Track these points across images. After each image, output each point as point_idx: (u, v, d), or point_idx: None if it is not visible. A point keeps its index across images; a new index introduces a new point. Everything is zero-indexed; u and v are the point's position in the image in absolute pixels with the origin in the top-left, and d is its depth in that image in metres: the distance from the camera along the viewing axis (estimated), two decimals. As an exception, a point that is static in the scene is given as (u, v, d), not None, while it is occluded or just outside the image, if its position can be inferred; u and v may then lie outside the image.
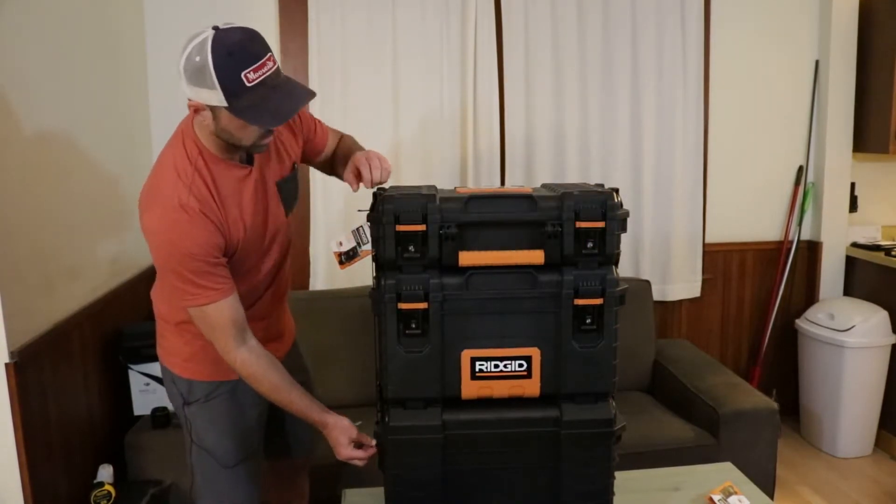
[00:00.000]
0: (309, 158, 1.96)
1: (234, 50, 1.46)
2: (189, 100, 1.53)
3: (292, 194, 1.85)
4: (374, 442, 1.66)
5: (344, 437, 1.68)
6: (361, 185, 1.77)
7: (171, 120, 3.28)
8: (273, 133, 1.64)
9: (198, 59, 1.46)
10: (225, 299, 1.61)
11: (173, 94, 3.15)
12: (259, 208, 1.71)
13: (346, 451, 1.68)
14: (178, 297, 1.64)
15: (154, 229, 1.57)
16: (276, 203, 1.78)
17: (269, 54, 1.51)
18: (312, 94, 1.59)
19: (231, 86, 1.46)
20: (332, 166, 1.96)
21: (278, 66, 1.53)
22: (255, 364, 1.67)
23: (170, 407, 2.56)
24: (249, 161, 1.71)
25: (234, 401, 1.83)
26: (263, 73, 1.48)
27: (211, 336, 1.66)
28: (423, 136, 3.26)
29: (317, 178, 3.20)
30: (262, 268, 1.79)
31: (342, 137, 1.98)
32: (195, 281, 1.58)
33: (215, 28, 1.50)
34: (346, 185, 3.22)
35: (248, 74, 1.46)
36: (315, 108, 3.15)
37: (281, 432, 2.03)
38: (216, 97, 1.47)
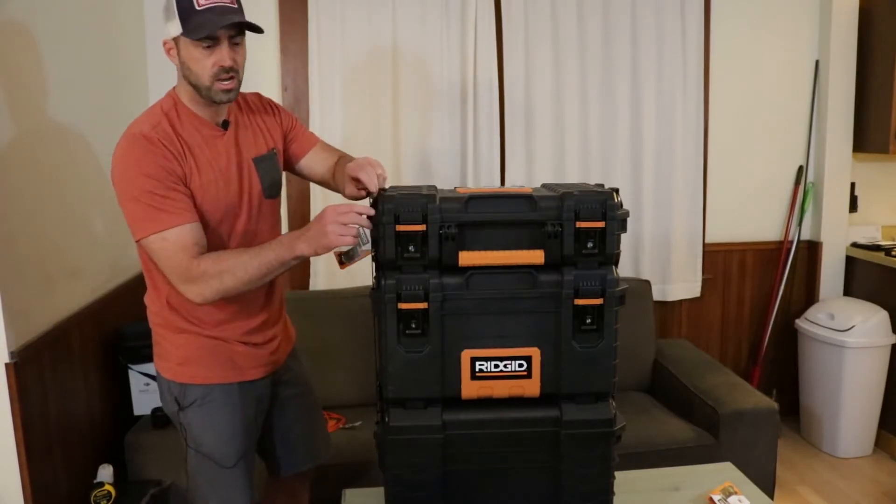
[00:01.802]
0: (292, 162, 1.99)
1: None
2: (164, 42, 1.69)
3: (270, 174, 1.86)
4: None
5: (331, 212, 1.57)
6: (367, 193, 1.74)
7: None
8: (233, 81, 1.69)
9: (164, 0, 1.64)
10: (187, 224, 1.62)
11: (173, 94, 3.16)
12: (230, 169, 1.76)
13: (348, 208, 1.56)
14: (139, 228, 1.63)
15: (115, 162, 1.66)
16: (253, 177, 1.82)
17: None
18: (242, 17, 1.66)
19: (185, 10, 1.61)
20: (336, 183, 1.97)
21: (239, 7, 1.67)
22: (215, 259, 1.62)
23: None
24: (225, 128, 1.79)
25: (230, 402, 1.82)
26: (213, 3, 1.62)
27: (170, 263, 1.62)
28: (424, 135, 3.26)
29: (317, 178, 3.20)
30: (237, 229, 1.77)
31: (342, 156, 1.98)
32: (153, 205, 1.60)
33: None
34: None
35: (197, 0, 1.61)
36: (315, 108, 3.15)
37: (278, 447, 2.03)
38: (175, 26, 1.63)
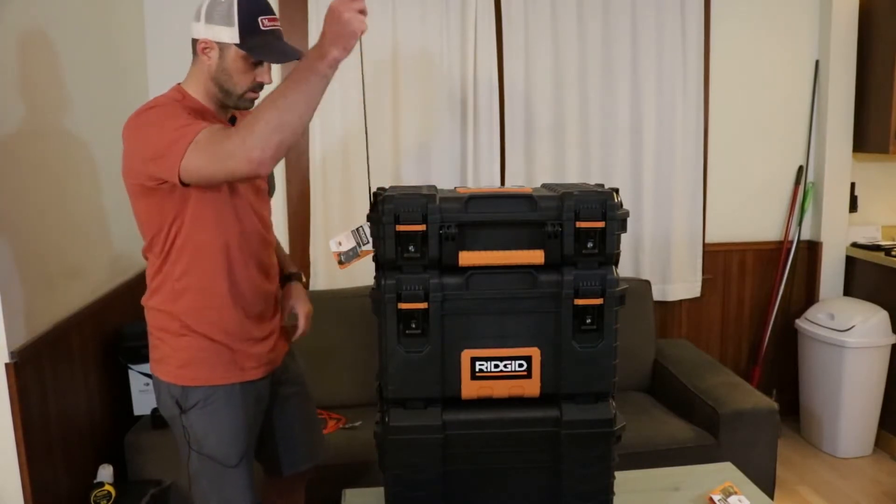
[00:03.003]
0: None
1: None
2: (199, 40, 1.71)
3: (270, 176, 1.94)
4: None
5: (340, 4, 1.45)
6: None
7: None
8: (260, 89, 1.77)
9: (223, 1, 1.67)
10: (211, 126, 1.59)
11: (173, 94, 3.16)
12: None
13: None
14: (170, 156, 1.54)
15: (128, 130, 1.65)
16: None
17: (276, 16, 1.74)
18: (303, 53, 1.63)
19: (248, 25, 1.67)
20: None
21: (282, 30, 1.76)
22: (250, 116, 1.55)
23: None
24: (232, 122, 1.82)
25: (232, 403, 1.82)
26: (274, 25, 1.72)
27: (219, 153, 1.52)
28: (423, 135, 3.26)
29: (316, 177, 3.20)
30: (243, 225, 1.78)
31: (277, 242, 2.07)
32: (177, 126, 1.56)
33: None
34: (344, 184, 3.24)
35: (263, 20, 1.69)
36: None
37: (279, 447, 2.03)
38: (230, 34, 1.67)
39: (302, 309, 2.02)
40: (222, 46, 1.70)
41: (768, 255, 3.68)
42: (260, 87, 1.77)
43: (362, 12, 1.45)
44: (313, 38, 3.12)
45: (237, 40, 1.67)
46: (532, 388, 1.53)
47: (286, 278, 2.05)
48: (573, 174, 3.34)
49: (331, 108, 3.16)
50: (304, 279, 1.99)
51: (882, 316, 3.33)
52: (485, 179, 3.29)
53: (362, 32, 1.46)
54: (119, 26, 2.88)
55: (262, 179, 1.89)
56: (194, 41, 1.73)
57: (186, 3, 3.07)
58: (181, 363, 1.80)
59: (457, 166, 3.29)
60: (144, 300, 1.85)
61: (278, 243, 2.07)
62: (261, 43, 1.68)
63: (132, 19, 3.02)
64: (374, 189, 1.60)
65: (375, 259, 1.55)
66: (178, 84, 1.78)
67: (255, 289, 1.84)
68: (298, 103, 1.51)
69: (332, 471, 2.52)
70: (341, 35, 1.45)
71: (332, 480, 2.49)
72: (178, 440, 1.85)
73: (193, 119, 1.62)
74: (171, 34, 3.12)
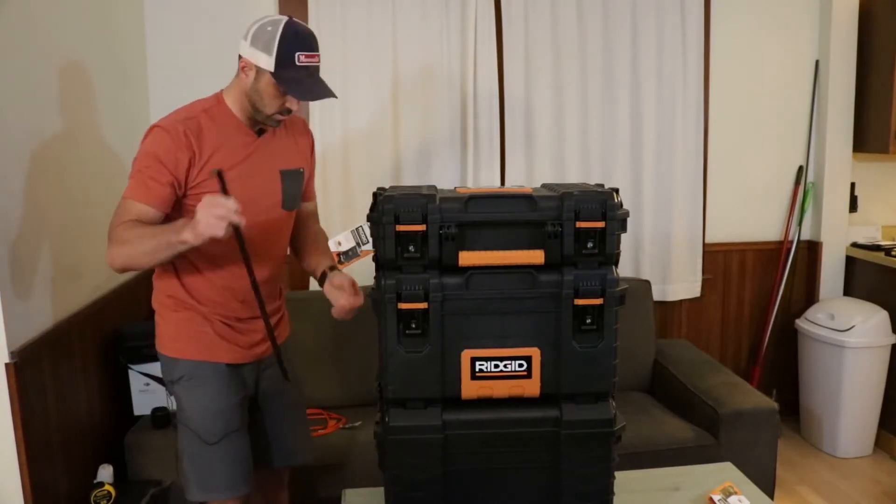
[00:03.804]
0: None
1: (301, 34, 1.78)
2: (242, 58, 1.81)
3: (292, 189, 1.97)
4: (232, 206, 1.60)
5: (203, 204, 1.61)
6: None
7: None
8: (287, 114, 1.86)
9: (269, 28, 1.76)
10: (144, 204, 1.75)
11: (173, 93, 3.15)
12: (249, 171, 1.86)
13: (215, 200, 1.60)
14: (126, 189, 1.78)
15: (147, 134, 1.80)
16: (276, 186, 1.93)
17: (319, 55, 1.82)
18: (335, 95, 1.85)
19: (285, 57, 1.75)
20: (296, 248, 2.13)
21: (319, 66, 1.83)
22: (127, 229, 1.72)
23: (170, 406, 2.57)
24: (259, 134, 1.91)
25: (216, 380, 1.90)
26: (310, 62, 1.79)
27: (112, 222, 1.77)
28: (424, 135, 3.26)
29: (316, 177, 3.20)
30: (251, 232, 1.79)
31: (318, 231, 2.14)
32: (142, 176, 1.75)
33: (290, 17, 1.80)
34: (344, 184, 3.26)
35: (300, 56, 1.76)
36: (315, 107, 3.15)
37: (264, 440, 2.06)
38: (267, 61, 1.75)
39: (336, 301, 1.92)
40: (259, 70, 1.78)
41: (768, 255, 3.68)
42: (288, 111, 1.85)
43: (223, 218, 1.59)
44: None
45: (272, 69, 1.75)
46: (532, 388, 1.53)
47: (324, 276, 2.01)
48: (573, 174, 3.34)
49: (331, 108, 3.16)
50: (329, 273, 1.97)
51: (882, 316, 3.33)
52: (485, 179, 3.30)
53: (211, 236, 1.61)
54: (119, 26, 2.88)
55: (275, 201, 1.93)
56: (239, 57, 1.82)
57: (186, 3, 3.11)
58: (172, 336, 1.92)
59: (457, 166, 3.30)
60: (154, 277, 1.97)
61: (320, 240, 2.12)
62: (293, 77, 1.76)
63: (132, 19, 3.02)
64: (374, 189, 1.60)
65: (375, 259, 1.55)
66: (221, 91, 1.89)
67: (241, 282, 1.86)
68: (147, 254, 1.72)
69: (332, 471, 2.53)
70: (196, 227, 1.61)
71: (332, 480, 2.50)
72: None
73: (167, 179, 1.75)
74: (171, 34, 3.13)
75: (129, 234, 1.72)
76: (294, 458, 2.13)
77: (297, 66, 1.76)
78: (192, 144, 1.77)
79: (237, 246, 1.72)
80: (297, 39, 1.76)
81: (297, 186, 1.99)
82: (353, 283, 1.92)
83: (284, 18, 1.78)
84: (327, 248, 2.13)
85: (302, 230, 2.11)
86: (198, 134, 1.79)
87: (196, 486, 1.92)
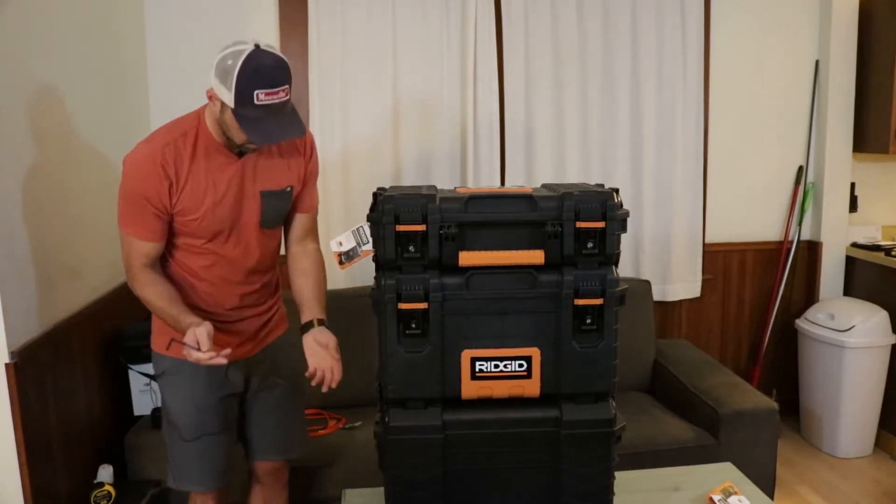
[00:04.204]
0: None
1: (261, 70, 1.67)
2: (209, 88, 1.74)
3: (275, 209, 1.94)
4: (226, 352, 1.70)
5: (201, 328, 1.71)
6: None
7: (171, 119, 3.27)
8: (259, 147, 1.82)
9: (230, 62, 1.68)
10: (146, 242, 1.82)
11: (173, 93, 3.17)
12: (227, 198, 1.85)
13: (193, 332, 1.70)
14: (120, 220, 1.84)
15: (126, 161, 1.81)
16: (254, 207, 1.89)
17: (286, 87, 1.72)
18: (302, 133, 1.81)
19: (243, 96, 1.67)
20: (288, 261, 2.06)
21: (289, 99, 1.74)
22: (145, 277, 1.83)
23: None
24: (240, 156, 1.87)
25: (196, 379, 1.93)
26: (272, 100, 1.69)
27: (125, 256, 1.86)
28: (424, 135, 3.26)
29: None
30: (220, 251, 1.89)
31: (313, 265, 2.03)
32: (133, 212, 1.81)
33: (256, 45, 1.70)
34: (344, 184, 3.26)
35: (259, 94, 1.67)
36: (315, 108, 3.15)
37: (246, 432, 2.10)
38: (228, 97, 1.69)
39: (310, 362, 1.89)
40: (223, 102, 1.72)
41: (768, 255, 3.68)
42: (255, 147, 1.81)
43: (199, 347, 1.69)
44: (313, 38, 3.12)
45: (232, 105, 1.69)
46: (532, 388, 1.53)
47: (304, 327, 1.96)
48: (573, 174, 3.34)
49: (331, 108, 3.16)
50: (316, 325, 1.91)
51: (882, 316, 3.33)
52: (485, 179, 3.29)
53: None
54: (119, 26, 2.88)
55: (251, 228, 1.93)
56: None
57: (186, 3, 3.11)
58: (157, 331, 1.98)
59: (457, 166, 3.29)
60: None
61: (311, 276, 2.01)
62: (253, 116, 1.69)
63: (132, 19, 3.02)
64: (374, 189, 1.60)
65: (375, 259, 1.55)
66: (204, 108, 1.84)
67: (226, 290, 1.94)
68: (157, 312, 1.86)
69: (332, 471, 2.53)
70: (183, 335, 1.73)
71: (332, 480, 2.50)
72: None
73: (153, 213, 1.79)
74: (171, 34, 3.13)
75: (150, 291, 1.82)
76: (287, 453, 2.15)
77: (255, 105, 1.67)
78: (169, 173, 1.77)
79: (222, 259, 1.86)
80: (255, 76, 1.66)
81: (280, 206, 1.95)
82: (336, 345, 1.89)
83: (248, 49, 1.68)
84: (320, 290, 2.00)
85: (294, 257, 2.03)
86: (175, 159, 1.78)
87: (172, 475, 2.03)
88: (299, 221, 2.03)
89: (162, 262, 1.91)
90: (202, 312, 1.93)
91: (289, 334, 2.13)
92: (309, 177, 2.01)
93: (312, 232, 2.08)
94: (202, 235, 1.87)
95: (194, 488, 2.02)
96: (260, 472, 2.16)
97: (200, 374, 1.91)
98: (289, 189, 1.95)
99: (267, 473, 2.16)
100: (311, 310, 1.94)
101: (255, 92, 1.66)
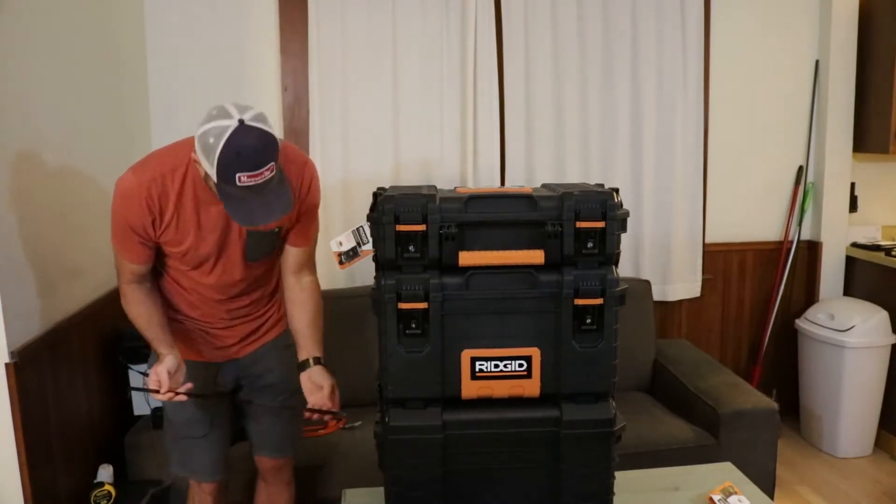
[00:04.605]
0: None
1: (243, 152, 1.59)
2: (193, 153, 1.68)
3: (260, 246, 1.93)
4: (183, 387, 1.80)
5: (161, 365, 1.79)
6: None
7: (171, 120, 3.29)
8: None
9: (212, 140, 1.60)
10: (134, 264, 1.85)
11: (173, 94, 3.17)
12: (212, 235, 1.85)
13: (158, 368, 1.78)
14: (112, 235, 1.86)
15: (116, 186, 1.81)
16: (239, 242, 1.89)
17: (271, 164, 1.63)
18: (287, 210, 1.71)
19: (225, 176, 1.60)
20: (286, 304, 2.05)
21: (272, 176, 1.64)
22: (132, 295, 1.88)
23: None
24: None
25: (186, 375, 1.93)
26: (254, 181, 1.61)
27: (116, 270, 1.90)
28: (424, 135, 3.26)
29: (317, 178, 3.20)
30: (204, 280, 1.92)
31: (309, 298, 2.01)
32: (120, 235, 1.83)
33: (240, 121, 1.60)
34: (345, 184, 3.26)
35: (241, 176, 1.59)
36: (315, 108, 3.15)
37: (248, 429, 2.16)
38: (211, 171, 1.62)
39: (309, 400, 1.92)
40: (206, 171, 1.66)
41: (768, 255, 3.68)
42: None
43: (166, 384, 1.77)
44: (313, 38, 3.12)
45: (215, 180, 1.63)
46: (532, 388, 1.53)
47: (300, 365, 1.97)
48: (573, 174, 3.34)
49: (331, 108, 3.16)
50: (312, 364, 1.93)
51: (882, 316, 3.33)
52: (485, 179, 3.29)
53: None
54: (119, 27, 2.88)
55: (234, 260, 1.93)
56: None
57: (186, 2, 3.11)
58: None
59: (457, 166, 3.29)
60: None
61: (308, 310, 2.00)
62: (235, 195, 1.63)
63: (132, 20, 3.02)
64: (374, 189, 1.60)
65: (375, 259, 1.55)
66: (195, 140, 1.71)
67: (213, 307, 1.98)
68: (140, 330, 1.89)
69: (332, 471, 2.53)
70: (154, 366, 1.81)
71: (332, 480, 2.50)
72: None
73: (138, 240, 1.81)
74: (171, 34, 3.12)
75: (133, 309, 1.88)
76: (273, 451, 2.17)
77: (237, 186, 1.60)
78: (153, 209, 1.77)
79: (207, 285, 1.92)
80: (237, 160, 1.58)
81: (266, 243, 1.93)
82: (333, 387, 1.91)
83: (231, 127, 1.58)
84: (315, 325, 1.99)
85: (289, 287, 2.01)
86: (160, 195, 1.76)
87: (172, 461, 2.12)
88: (293, 254, 1.99)
89: (155, 272, 1.93)
90: (191, 320, 1.99)
91: (286, 335, 2.12)
92: (303, 214, 1.94)
93: (307, 265, 2.03)
94: (186, 264, 1.89)
95: (192, 477, 2.12)
96: (261, 468, 2.20)
97: (189, 377, 1.89)
98: (276, 229, 1.91)
99: (268, 470, 2.19)
100: (306, 348, 1.95)
101: (237, 175, 1.58)
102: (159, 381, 1.75)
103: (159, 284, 1.96)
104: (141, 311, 1.86)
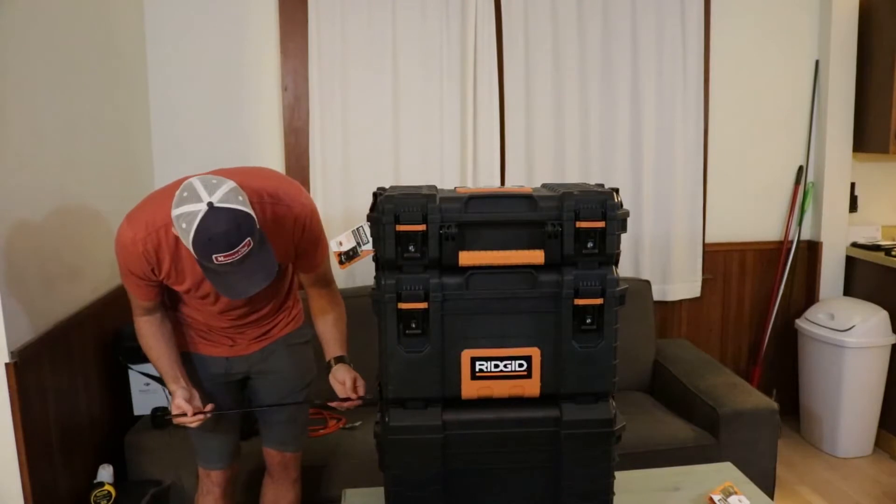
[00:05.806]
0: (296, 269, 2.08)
1: (215, 238, 1.57)
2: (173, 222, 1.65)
3: None
4: (207, 407, 1.92)
5: (178, 399, 1.90)
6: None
7: (172, 119, 3.29)
8: None
9: (184, 225, 1.58)
10: (142, 301, 1.91)
11: (173, 94, 3.17)
12: (206, 285, 1.85)
13: (177, 401, 1.90)
14: (121, 274, 1.90)
15: (116, 234, 1.85)
16: None
17: (247, 240, 1.60)
18: (270, 278, 1.69)
19: (202, 256, 1.61)
20: (310, 306, 2.11)
21: (252, 247, 1.62)
22: (144, 329, 1.95)
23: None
24: None
25: (196, 365, 2.06)
26: (232, 258, 1.60)
27: (131, 303, 1.96)
28: (423, 135, 3.26)
29: (316, 176, 3.20)
30: (209, 308, 1.97)
31: (330, 304, 2.08)
32: (127, 278, 1.88)
33: (209, 205, 1.57)
34: (345, 184, 3.25)
35: (218, 257, 1.59)
36: (315, 108, 3.15)
37: (258, 421, 2.23)
38: (191, 250, 1.62)
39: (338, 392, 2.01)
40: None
41: (768, 255, 3.68)
42: None
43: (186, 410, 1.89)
44: (313, 38, 3.12)
45: (195, 256, 1.63)
46: (532, 388, 1.53)
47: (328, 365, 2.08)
48: (573, 174, 3.34)
49: (331, 108, 3.16)
50: (334, 364, 2.05)
51: (882, 316, 3.33)
52: (485, 179, 3.30)
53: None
54: (119, 26, 2.88)
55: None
56: None
57: (186, 2, 3.11)
58: None
59: (457, 166, 3.29)
60: None
61: (329, 317, 2.08)
62: (215, 269, 1.62)
63: (132, 19, 3.02)
64: (374, 189, 1.60)
65: (375, 259, 1.54)
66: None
67: (223, 325, 2.03)
68: (152, 361, 1.99)
69: (332, 471, 2.53)
70: (172, 397, 1.93)
71: (332, 480, 2.50)
72: None
73: (140, 284, 1.86)
74: (171, 34, 3.13)
75: (145, 343, 1.96)
76: (279, 445, 2.19)
77: (216, 264, 1.60)
78: (151, 260, 1.81)
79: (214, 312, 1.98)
80: (210, 244, 1.56)
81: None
82: (356, 380, 2.00)
83: (200, 212, 1.55)
84: (338, 328, 2.07)
85: (311, 297, 2.08)
86: (157, 249, 1.79)
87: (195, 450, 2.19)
88: (305, 277, 2.06)
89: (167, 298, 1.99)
90: (202, 324, 2.03)
91: (298, 332, 2.16)
92: (303, 251, 1.93)
93: (322, 280, 2.06)
94: (190, 297, 1.95)
95: (200, 464, 2.20)
96: (269, 462, 2.22)
97: (198, 361, 2.04)
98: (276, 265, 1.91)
99: (274, 465, 2.21)
100: (330, 350, 2.07)
101: (214, 255, 1.58)
102: (183, 411, 1.88)
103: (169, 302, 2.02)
104: (151, 346, 1.95)
